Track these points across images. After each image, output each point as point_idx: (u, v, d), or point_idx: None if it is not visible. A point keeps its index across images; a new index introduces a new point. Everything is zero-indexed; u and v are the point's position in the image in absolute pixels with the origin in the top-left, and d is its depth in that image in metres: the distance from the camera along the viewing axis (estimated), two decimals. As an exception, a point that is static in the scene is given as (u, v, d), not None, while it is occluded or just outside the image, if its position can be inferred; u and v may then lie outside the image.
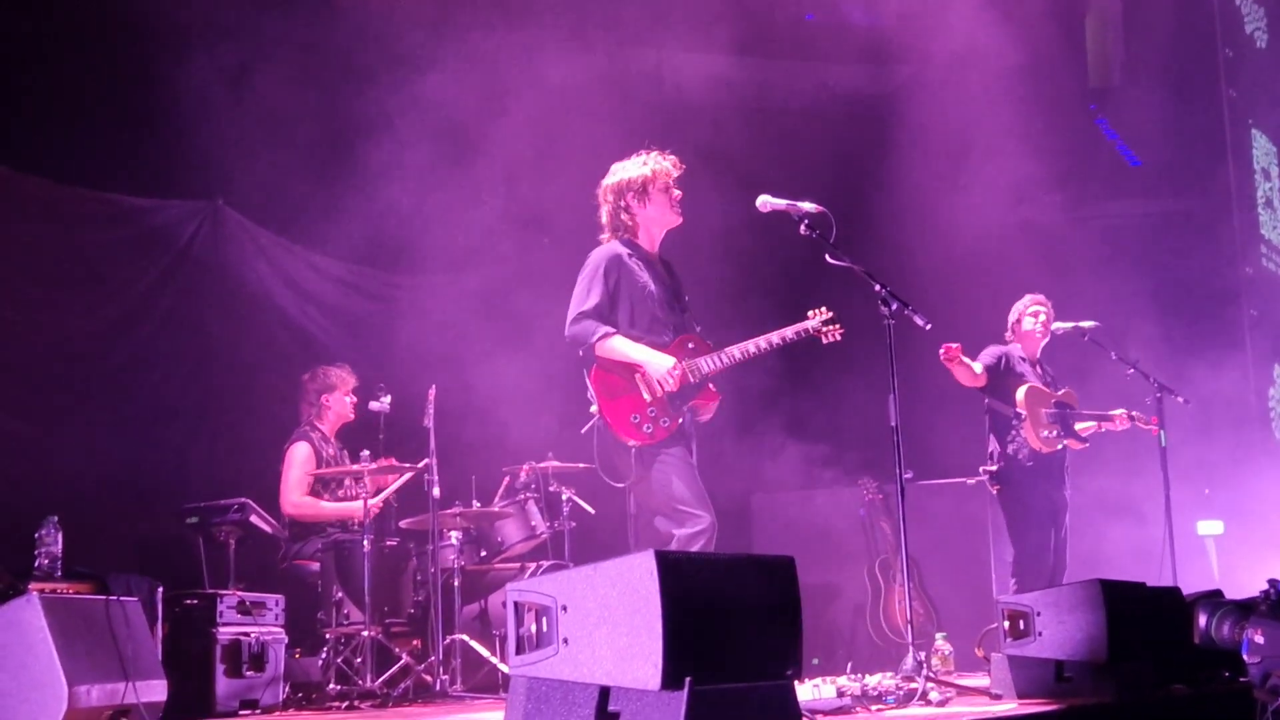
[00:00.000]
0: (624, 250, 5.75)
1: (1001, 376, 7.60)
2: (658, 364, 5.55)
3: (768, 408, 9.59)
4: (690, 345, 5.71)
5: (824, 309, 5.76)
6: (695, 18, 10.00)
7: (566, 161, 8.13)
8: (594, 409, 5.61)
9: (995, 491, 7.57)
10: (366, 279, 9.08)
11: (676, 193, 5.83)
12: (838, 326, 5.74)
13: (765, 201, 5.67)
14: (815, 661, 8.29)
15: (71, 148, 7.28)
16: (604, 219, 5.86)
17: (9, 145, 6.99)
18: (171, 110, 7.46)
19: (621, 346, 5.58)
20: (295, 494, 7.27)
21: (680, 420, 5.60)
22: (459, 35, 8.71)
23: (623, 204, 5.80)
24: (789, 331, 5.73)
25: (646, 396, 5.54)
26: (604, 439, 5.61)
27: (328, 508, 7.32)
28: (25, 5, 7.16)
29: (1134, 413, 7.71)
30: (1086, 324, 7.76)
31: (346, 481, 7.42)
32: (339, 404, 7.57)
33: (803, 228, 5.63)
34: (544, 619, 3.56)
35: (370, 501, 6.84)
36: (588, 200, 6.32)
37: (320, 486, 7.39)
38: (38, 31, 7.17)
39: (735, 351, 5.68)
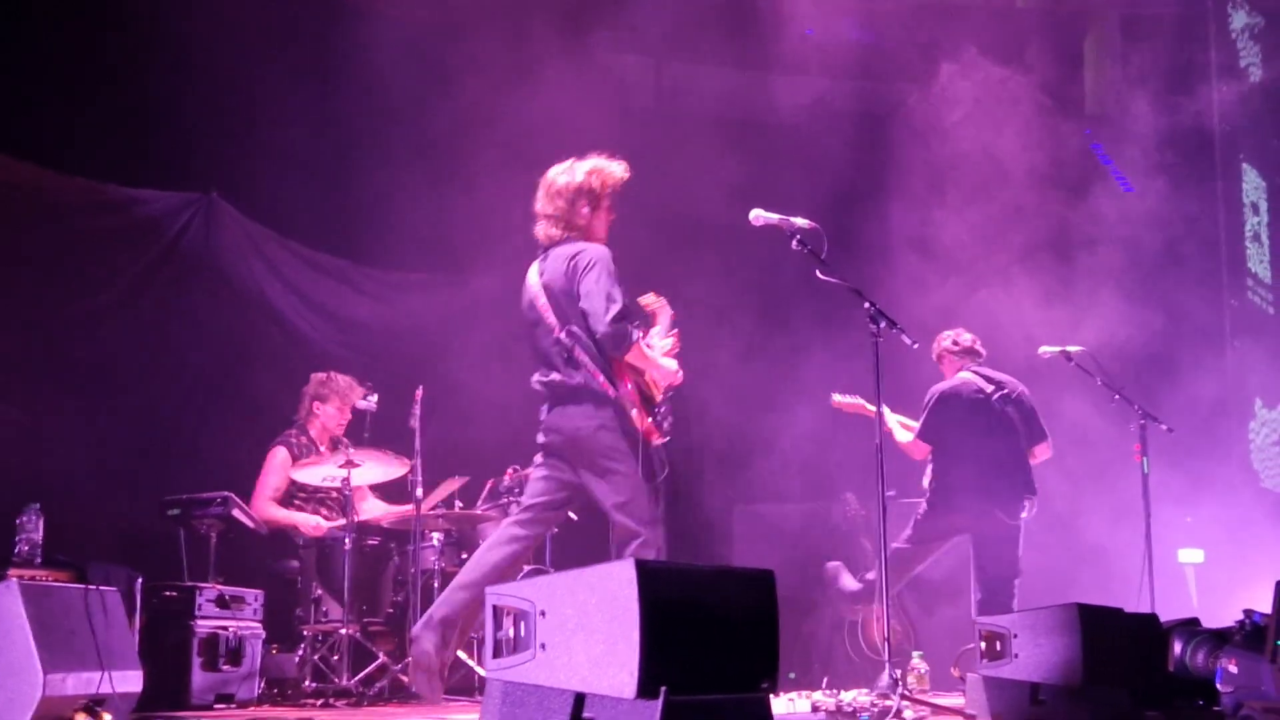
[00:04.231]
0: None
1: None
2: (668, 366, 5.55)
3: (751, 420, 9.60)
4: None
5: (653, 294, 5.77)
6: (694, 29, 10.02)
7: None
8: (635, 413, 5.36)
9: None
10: (359, 276, 9.06)
11: (612, 215, 5.62)
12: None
13: (758, 215, 5.67)
14: (791, 676, 8.29)
15: (67, 135, 7.26)
16: (551, 211, 5.54)
17: (3, 131, 6.96)
18: (169, 101, 7.45)
19: (643, 351, 5.44)
20: (260, 500, 7.21)
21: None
22: (459, 38, 8.72)
23: (579, 207, 5.53)
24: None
25: (658, 398, 5.51)
26: (618, 426, 5.37)
27: (279, 514, 7.21)
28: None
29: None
30: (1073, 348, 7.67)
31: (333, 494, 7.38)
32: (327, 416, 7.50)
33: (795, 243, 5.64)
34: (522, 623, 3.57)
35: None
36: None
37: (302, 493, 7.36)
38: (34, 16, 7.15)
39: None
